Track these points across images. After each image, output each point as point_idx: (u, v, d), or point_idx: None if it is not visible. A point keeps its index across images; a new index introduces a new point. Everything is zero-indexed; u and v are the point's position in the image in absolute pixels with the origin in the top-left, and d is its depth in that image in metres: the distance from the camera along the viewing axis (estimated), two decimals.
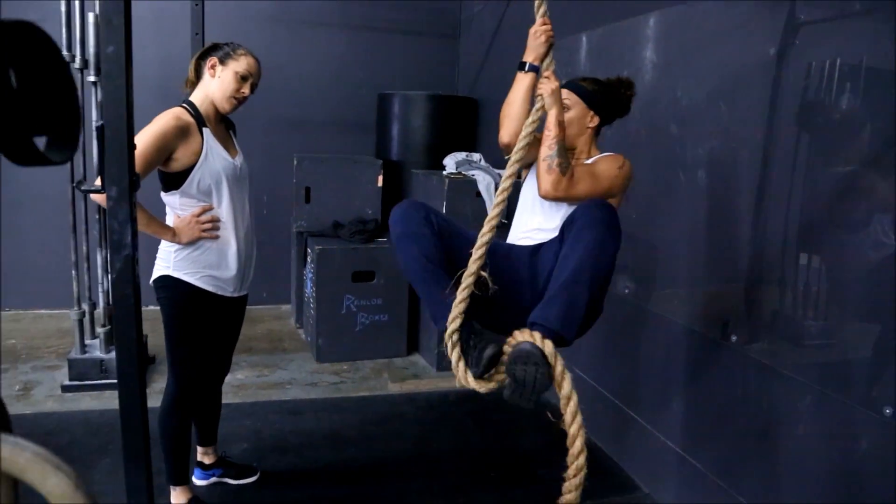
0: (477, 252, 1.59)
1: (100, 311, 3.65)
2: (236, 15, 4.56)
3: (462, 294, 1.60)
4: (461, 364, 1.58)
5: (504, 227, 1.83)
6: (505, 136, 1.93)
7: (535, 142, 1.87)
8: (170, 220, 2.16)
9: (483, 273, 1.61)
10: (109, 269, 1.37)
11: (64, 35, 3.25)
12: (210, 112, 2.14)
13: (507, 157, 1.70)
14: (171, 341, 2.19)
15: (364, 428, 3.14)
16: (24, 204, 4.36)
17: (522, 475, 2.86)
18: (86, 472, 2.58)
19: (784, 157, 2.03)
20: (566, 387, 1.49)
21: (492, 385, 1.58)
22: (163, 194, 2.13)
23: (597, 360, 3.12)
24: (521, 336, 1.52)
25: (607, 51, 3.01)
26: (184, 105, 2.10)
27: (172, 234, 2.10)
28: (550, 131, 1.83)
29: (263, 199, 4.94)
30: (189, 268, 2.14)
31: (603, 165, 1.96)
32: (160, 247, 2.18)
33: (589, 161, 2.01)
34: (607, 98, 2.04)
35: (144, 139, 1.94)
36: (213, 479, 2.56)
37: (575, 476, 1.45)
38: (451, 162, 4.09)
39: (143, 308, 1.44)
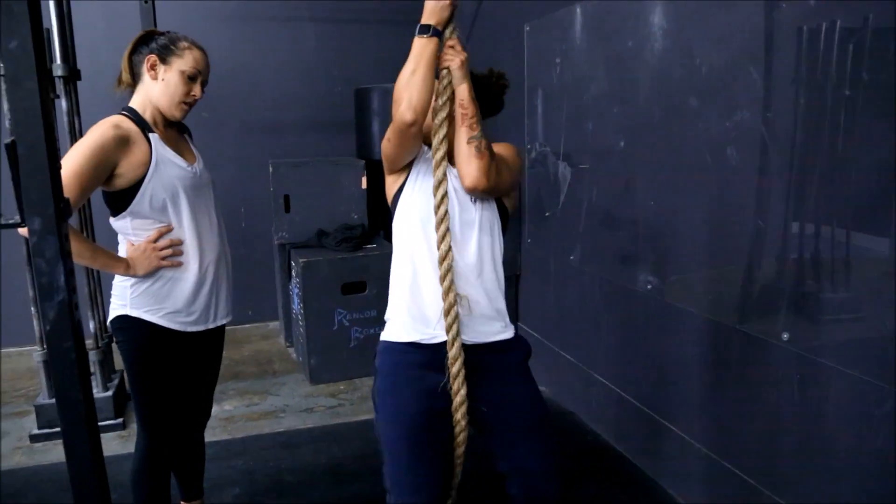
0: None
1: None
2: (192, 15, 4.20)
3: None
4: None
5: None
6: (409, 111, 1.52)
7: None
8: (123, 251, 1.84)
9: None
10: (41, 319, 1.06)
11: None
12: (156, 117, 1.82)
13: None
14: (136, 389, 1.87)
15: (367, 458, 2.83)
16: None
17: None
18: None
19: (834, 124, 1.74)
20: None
21: None
22: (112, 220, 1.81)
23: (620, 364, 2.84)
24: None
25: (606, 21, 2.71)
26: (123, 112, 1.78)
27: (126, 267, 1.78)
28: (467, 109, 1.57)
29: (241, 211, 4.63)
30: (149, 304, 1.82)
31: (503, 150, 1.71)
32: (114, 282, 1.86)
33: None
34: (482, 84, 1.74)
35: (78, 155, 1.62)
36: None
37: None
38: None
39: None
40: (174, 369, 1.89)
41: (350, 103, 4.55)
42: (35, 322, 3.09)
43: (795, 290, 1.92)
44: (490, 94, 1.75)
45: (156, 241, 1.80)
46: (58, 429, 3.04)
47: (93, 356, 3.14)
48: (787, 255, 1.94)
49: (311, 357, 3.65)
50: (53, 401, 3.11)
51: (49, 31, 2.90)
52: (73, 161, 1.61)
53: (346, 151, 4.68)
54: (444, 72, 1.59)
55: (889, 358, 1.62)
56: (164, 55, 1.77)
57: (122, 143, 1.69)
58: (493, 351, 1.66)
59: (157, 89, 1.79)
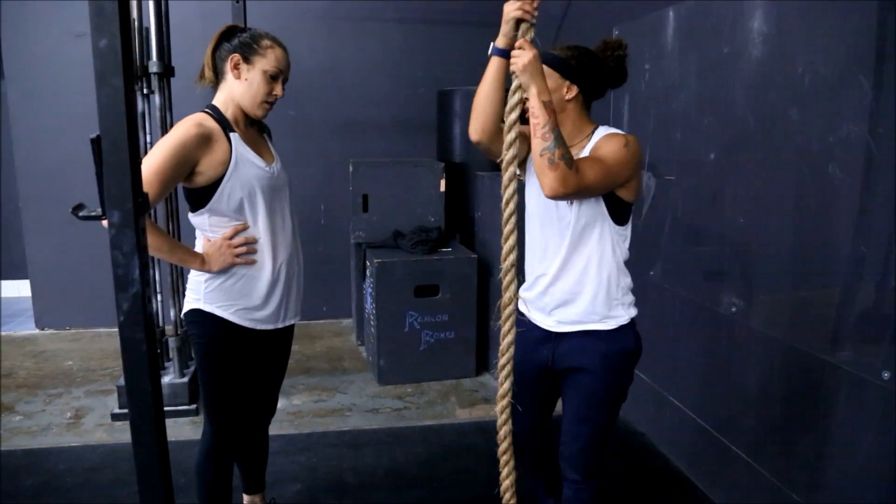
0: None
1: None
2: (282, 14, 4.31)
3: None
4: None
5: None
6: (473, 132, 1.66)
7: (523, 137, 1.59)
8: (199, 246, 1.88)
9: None
10: (116, 309, 1.09)
11: None
12: (238, 115, 1.84)
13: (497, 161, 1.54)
14: (206, 382, 1.91)
15: (430, 464, 2.80)
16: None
17: None
18: None
19: None
20: None
21: None
22: (190, 215, 1.85)
23: (697, 388, 2.68)
24: None
25: (701, 25, 2.57)
26: (206, 110, 1.81)
27: (201, 262, 1.82)
28: (538, 118, 1.49)
29: (321, 209, 4.71)
30: (222, 300, 1.85)
31: (606, 147, 1.62)
32: (189, 276, 1.90)
33: (588, 145, 1.69)
34: (584, 62, 1.67)
35: (161, 152, 1.66)
36: None
37: None
38: None
39: None
40: (243, 365, 1.91)
41: (433, 105, 4.55)
42: None
43: None
44: (595, 61, 1.69)
45: (231, 238, 1.82)
46: None
47: (172, 342, 3.26)
48: (890, 284, 1.76)
49: (380, 357, 3.66)
50: None
51: (147, 29, 3.03)
52: (155, 157, 1.65)
53: (427, 153, 4.67)
54: (514, 75, 1.52)
55: None
56: (247, 54, 1.78)
57: (203, 141, 1.72)
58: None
59: (240, 88, 1.81)
